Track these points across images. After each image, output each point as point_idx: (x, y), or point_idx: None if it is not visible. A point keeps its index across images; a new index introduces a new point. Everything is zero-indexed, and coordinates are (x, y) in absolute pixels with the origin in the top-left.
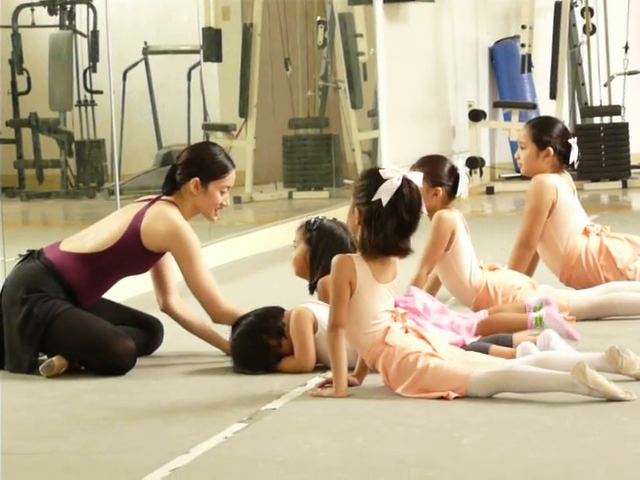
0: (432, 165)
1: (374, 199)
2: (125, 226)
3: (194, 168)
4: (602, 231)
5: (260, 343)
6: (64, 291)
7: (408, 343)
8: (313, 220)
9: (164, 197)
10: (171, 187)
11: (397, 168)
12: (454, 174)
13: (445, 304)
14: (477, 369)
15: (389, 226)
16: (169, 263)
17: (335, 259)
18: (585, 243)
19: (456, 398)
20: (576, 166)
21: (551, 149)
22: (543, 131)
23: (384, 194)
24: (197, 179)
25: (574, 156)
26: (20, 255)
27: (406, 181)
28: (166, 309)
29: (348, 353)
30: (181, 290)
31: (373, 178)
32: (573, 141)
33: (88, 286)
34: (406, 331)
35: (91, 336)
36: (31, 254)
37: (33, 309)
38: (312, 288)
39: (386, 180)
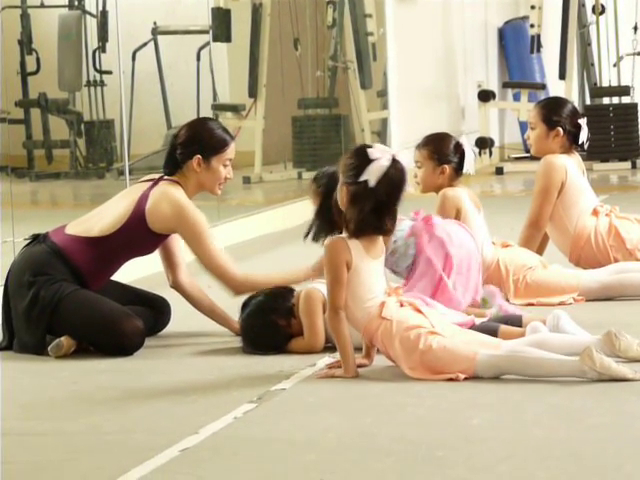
0: (437, 143)
1: (361, 179)
2: (130, 209)
3: (194, 146)
4: (611, 211)
5: (269, 323)
6: (71, 274)
7: (406, 316)
8: (320, 174)
9: (166, 177)
10: (173, 167)
11: (386, 148)
12: (459, 150)
13: None
14: (481, 350)
15: (367, 206)
16: (177, 240)
17: (328, 242)
18: (594, 223)
19: (450, 380)
20: (586, 146)
21: (560, 129)
22: (552, 111)
23: (372, 175)
24: (199, 156)
25: (584, 136)
26: (25, 239)
27: (393, 162)
28: (175, 286)
29: (354, 334)
30: (193, 270)
31: (361, 157)
32: (583, 121)
33: (95, 269)
34: (401, 305)
35: (99, 316)
36: (36, 238)
37: (40, 292)
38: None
39: (374, 160)
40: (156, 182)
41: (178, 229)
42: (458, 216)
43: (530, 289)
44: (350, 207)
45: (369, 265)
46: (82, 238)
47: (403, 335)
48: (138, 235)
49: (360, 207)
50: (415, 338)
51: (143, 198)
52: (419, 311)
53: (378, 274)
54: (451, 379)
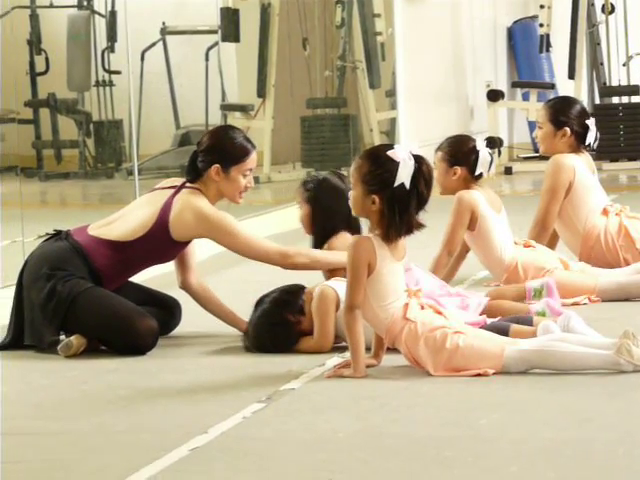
0: (452, 145)
1: (397, 184)
2: (154, 218)
3: (214, 155)
4: (621, 211)
5: (281, 320)
6: (89, 273)
7: (429, 318)
8: (308, 179)
9: (188, 185)
10: (194, 174)
11: (401, 146)
12: (474, 153)
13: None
14: (508, 345)
15: (412, 206)
16: (191, 244)
17: (353, 240)
18: (604, 223)
19: (478, 375)
20: (594, 147)
21: (568, 129)
22: (560, 111)
23: (405, 177)
24: (218, 166)
25: (591, 137)
26: (47, 234)
27: (418, 158)
28: (185, 287)
29: (364, 333)
30: (203, 270)
31: (386, 163)
32: (591, 122)
33: (113, 272)
34: (422, 307)
35: (114, 315)
36: (58, 234)
37: (56, 286)
38: (315, 246)
39: (399, 162)
40: (178, 190)
41: (207, 235)
42: (473, 219)
43: (521, 293)
44: (388, 213)
45: (393, 267)
46: (104, 241)
47: (428, 336)
48: (160, 244)
49: (402, 208)
50: (441, 338)
51: (166, 207)
52: (439, 313)
53: (400, 276)
54: (479, 374)
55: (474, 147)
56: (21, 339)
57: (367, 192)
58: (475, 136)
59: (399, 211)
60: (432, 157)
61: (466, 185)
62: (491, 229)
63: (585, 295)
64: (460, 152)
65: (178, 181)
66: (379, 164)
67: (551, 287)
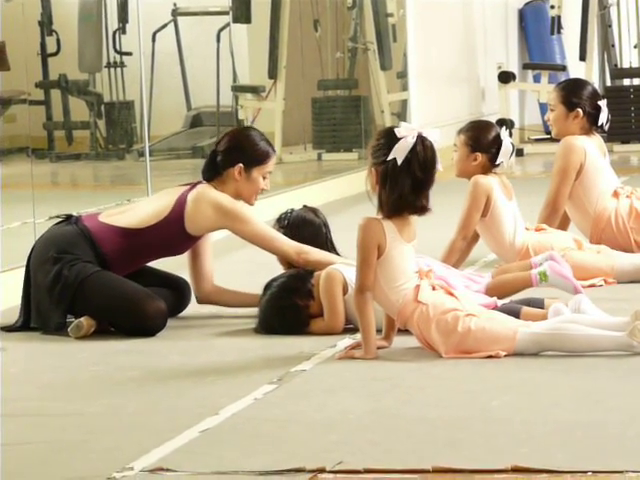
0: (476, 131)
1: (389, 158)
2: (168, 209)
3: (237, 154)
4: (632, 193)
5: (290, 304)
6: (96, 258)
7: (441, 300)
8: (283, 215)
9: (204, 183)
10: (212, 173)
11: (413, 126)
12: (497, 142)
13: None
14: (520, 327)
15: (404, 185)
16: (208, 251)
17: (362, 222)
18: (615, 205)
19: (489, 357)
20: (606, 128)
21: (580, 111)
22: (572, 93)
23: (398, 153)
24: (241, 165)
25: (603, 118)
26: (58, 216)
27: (420, 139)
28: (203, 297)
29: (375, 315)
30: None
31: (388, 137)
32: (603, 103)
33: (121, 260)
34: (433, 288)
35: (123, 297)
36: (68, 219)
37: (63, 270)
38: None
39: (400, 139)
40: (194, 186)
41: (224, 224)
42: (487, 205)
43: (526, 267)
44: (382, 188)
45: (403, 248)
46: (114, 227)
47: (440, 318)
48: (171, 236)
49: (393, 186)
50: (453, 321)
51: (182, 199)
52: (451, 294)
53: (411, 257)
54: (491, 356)
55: (498, 136)
56: (30, 322)
57: (370, 166)
58: (487, 118)
59: (390, 187)
60: (449, 139)
61: (484, 172)
62: (503, 216)
63: (601, 277)
64: (484, 139)
65: (193, 182)
66: (382, 138)
67: (554, 257)
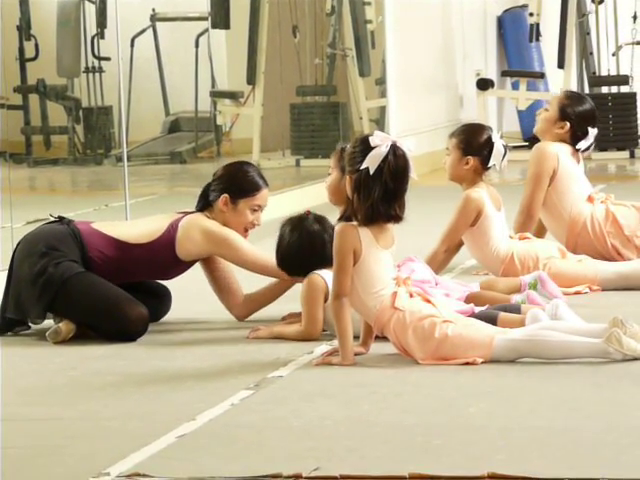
0: (467, 134)
1: (362, 167)
2: (160, 232)
3: (225, 185)
4: (607, 199)
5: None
6: (82, 260)
7: (418, 306)
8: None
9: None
10: (204, 203)
11: (387, 135)
12: (489, 144)
13: (452, 273)
14: (497, 334)
15: (376, 194)
16: (226, 270)
17: (338, 228)
18: (590, 210)
19: (466, 363)
20: (582, 152)
21: (568, 125)
22: (571, 105)
23: (371, 162)
24: (227, 195)
25: (584, 145)
26: (51, 215)
27: (393, 148)
28: (241, 316)
29: (353, 322)
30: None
31: (363, 145)
32: (592, 131)
33: (106, 268)
34: (411, 295)
35: (105, 301)
36: (61, 220)
37: (48, 267)
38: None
39: (374, 148)
40: (188, 214)
41: (214, 250)
42: (478, 217)
43: (515, 286)
44: (355, 195)
45: (379, 255)
46: (105, 235)
47: (417, 324)
48: (162, 257)
49: (365, 195)
50: (430, 327)
51: (175, 224)
52: (428, 301)
53: (388, 264)
54: (468, 363)
55: (489, 138)
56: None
57: (346, 173)
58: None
59: (362, 196)
60: (427, 145)
61: (476, 175)
62: (491, 227)
63: (586, 284)
64: (475, 142)
65: (188, 210)
66: (357, 146)
67: (544, 279)
